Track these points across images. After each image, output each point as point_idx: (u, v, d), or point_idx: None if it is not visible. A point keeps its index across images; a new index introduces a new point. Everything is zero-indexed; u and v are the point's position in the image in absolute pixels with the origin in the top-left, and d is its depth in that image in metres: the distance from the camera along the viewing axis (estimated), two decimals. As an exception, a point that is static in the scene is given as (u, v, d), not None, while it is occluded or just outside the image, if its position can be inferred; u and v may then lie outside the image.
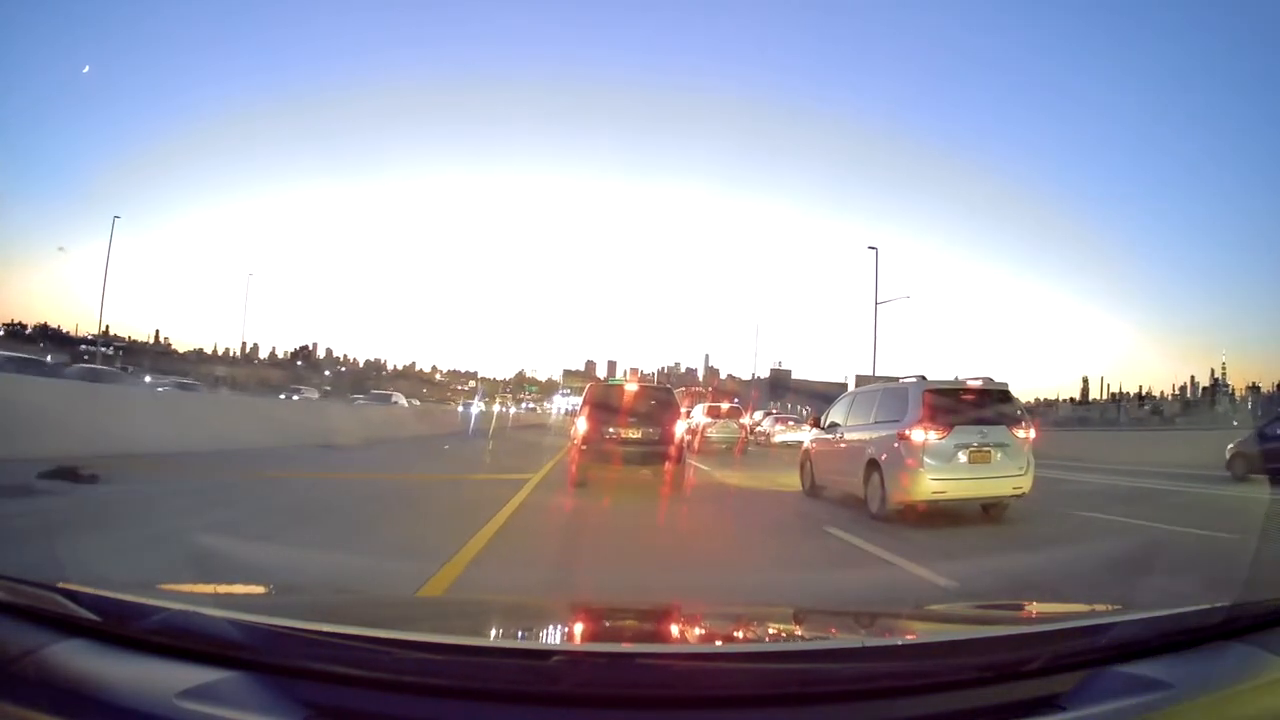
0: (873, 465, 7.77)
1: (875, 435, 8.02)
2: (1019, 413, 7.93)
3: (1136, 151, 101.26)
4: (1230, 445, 14.49)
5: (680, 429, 9.86)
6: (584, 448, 9.45)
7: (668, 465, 9.47)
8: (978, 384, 8.22)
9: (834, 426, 9.27)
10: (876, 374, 29.49)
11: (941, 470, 7.20)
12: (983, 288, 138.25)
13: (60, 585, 1.23)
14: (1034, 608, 2.19)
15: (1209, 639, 1.34)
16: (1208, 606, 1.40)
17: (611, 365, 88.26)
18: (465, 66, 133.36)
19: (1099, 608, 1.87)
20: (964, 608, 2.42)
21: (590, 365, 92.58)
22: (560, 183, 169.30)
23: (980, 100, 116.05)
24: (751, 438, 23.20)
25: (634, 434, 9.62)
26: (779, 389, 59.76)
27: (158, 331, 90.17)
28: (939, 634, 1.59)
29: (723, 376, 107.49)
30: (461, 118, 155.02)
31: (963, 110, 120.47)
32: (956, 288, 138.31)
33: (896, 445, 7.49)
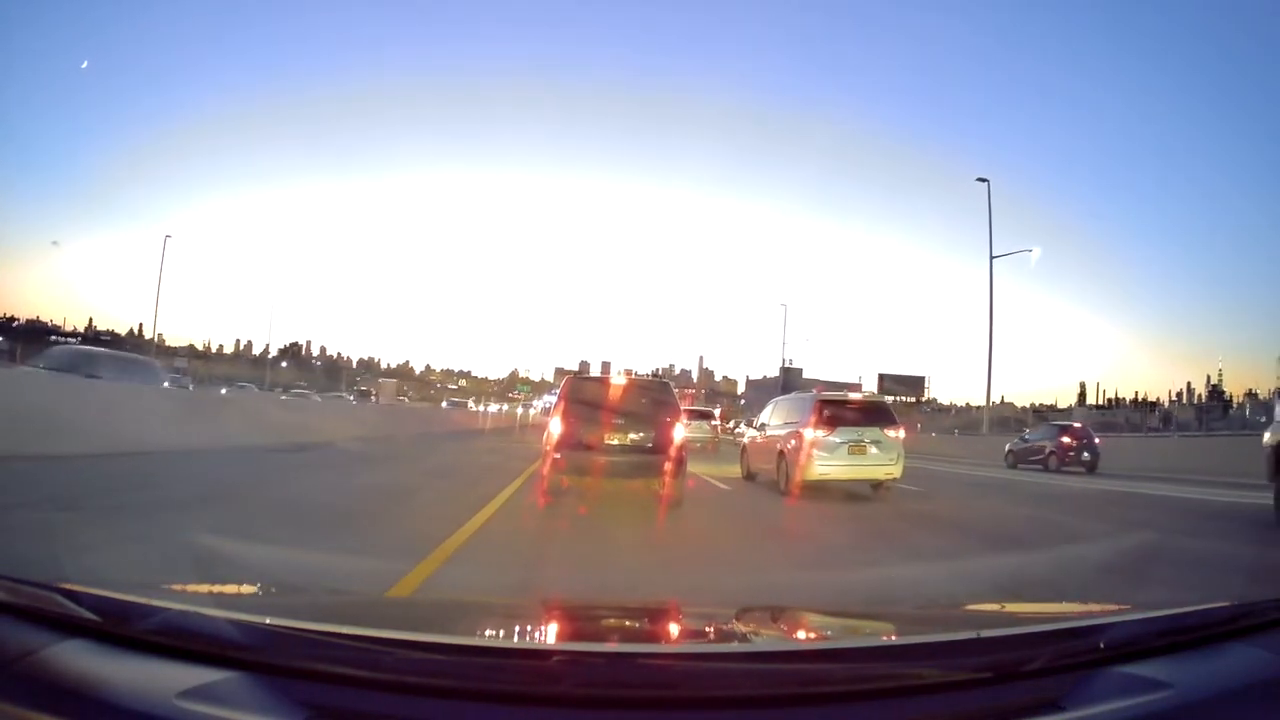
0: (782, 455, 10.31)
1: (785, 433, 10.55)
2: (893, 418, 10.44)
3: (1131, 157, 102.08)
4: (1006, 445, 22.33)
5: (680, 433, 8.00)
6: (558, 456, 7.64)
7: (665, 478, 7.65)
8: (859, 395, 11.75)
9: (763, 426, 11.76)
10: (993, 334, 26.80)
11: (827, 459, 9.68)
12: (980, 291, 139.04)
13: (60, 585, 1.23)
14: (1033, 608, 2.20)
15: (1209, 639, 1.34)
16: (1208, 606, 1.41)
17: (606, 366, 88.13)
18: (460, 65, 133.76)
19: (1099, 608, 1.88)
20: (964, 608, 2.42)
21: (584, 366, 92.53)
22: (556, 183, 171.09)
23: (978, 104, 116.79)
24: (730, 437, 28.28)
25: (622, 439, 7.86)
26: (789, 389, 59.33)
27: (140, 325, 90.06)
28: (938, 634, 1.59)
29: (717, 379, 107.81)
30: (457, 116, 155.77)
31: (960, 114, 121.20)
32: (956, 289, 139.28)
33: (796, 440, 9.98)
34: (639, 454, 7.76)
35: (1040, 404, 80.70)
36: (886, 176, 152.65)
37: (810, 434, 9.69)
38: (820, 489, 9.77)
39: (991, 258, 25.94)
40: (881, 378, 69.92)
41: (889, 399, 66.87)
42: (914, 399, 69.72)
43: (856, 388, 74.69)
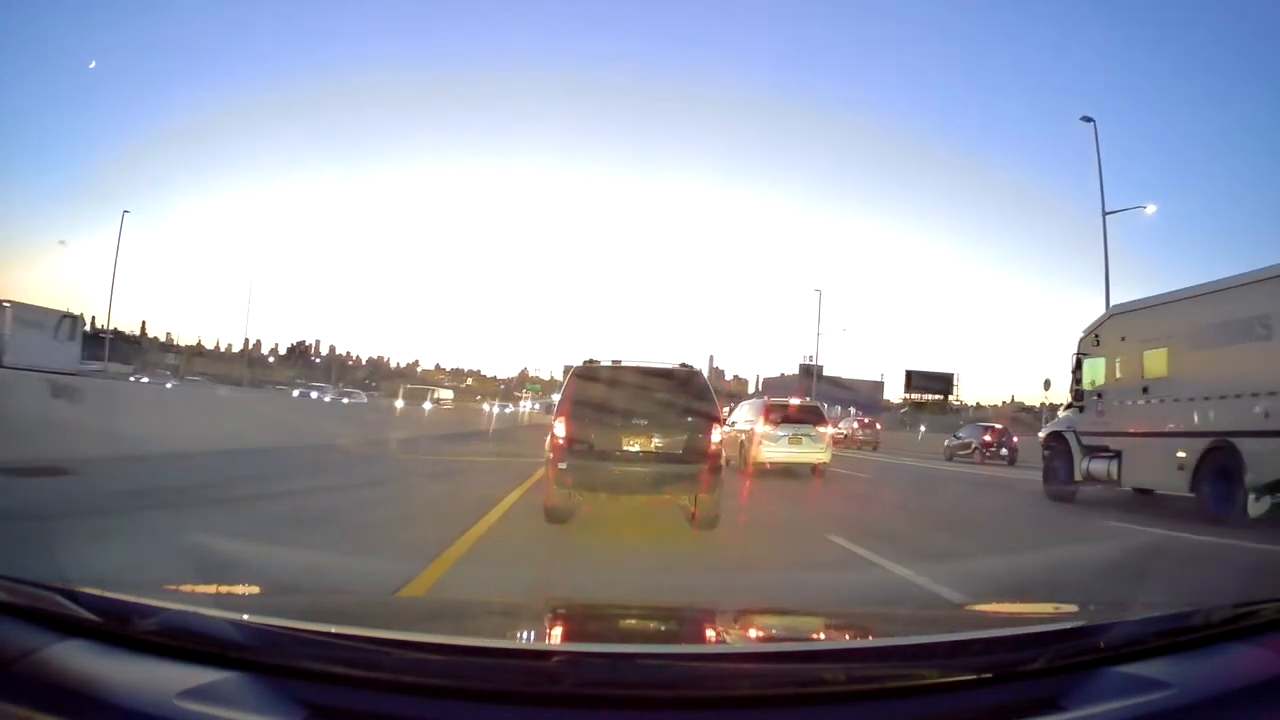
0: (742, 444, 13.63)
1: (744, 428, 13.92)
2: (823, 418, 14.54)
3: (1137, 155, 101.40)
4: (945, 442, 26.95)
5: (718, 437, 6.36)
6: (563, 466, 6.03)
7: (699, 494, 6.19)
8: (798, 400, 15.25)
9: (733, 424, 14.50)
10: (1110, 293, 21.29)
11: (772, 447, 13.24)
12: (989, 289, 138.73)
13: (60, 585, 1.23)
14: (1034, 608, 2.19)
15: (1209, 639, 1.34)
16: (1208, 606, 1.40)
17: (615, 365, 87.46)
18: (469, 61, 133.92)
19: (1099, 608, 1.87)
20: (964, 608, 2.42)
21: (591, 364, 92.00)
22: (567, 180, 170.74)
23: (986, 101, 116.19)
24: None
25: (645, 445, 6.21)
26: (809, 388, 57.98)
27: (144, 324, 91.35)
28: (939, 634, 1.58)
29: (728, 378, 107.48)
30: (467, 113, 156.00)
31: (972, 110, 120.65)
32: (969, 287, 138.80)
33: (751, 433, 13.46)
34: (666, 463, 6.15)
35: (1053, 403, 79.64)
36: (906, 171, 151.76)
37: (761, 429, 13.30)
38: (767, 468, 13.32)
39: (1104, 214, 21.45)
40: (909, 374, 68.22)
41: (917, 396, 66.19)
42: (943, 396, 68.05)
43: (879, 387, 74.81)
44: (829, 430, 14.24)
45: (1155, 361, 9.57)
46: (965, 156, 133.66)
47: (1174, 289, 9.69)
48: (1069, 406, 11.58)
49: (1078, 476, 10.57)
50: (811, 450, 13.32)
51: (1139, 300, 10.58)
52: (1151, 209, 23.83)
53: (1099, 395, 10.50)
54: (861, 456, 25.44)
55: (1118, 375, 10.26)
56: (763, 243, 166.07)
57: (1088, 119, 22.23)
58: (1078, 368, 11.03)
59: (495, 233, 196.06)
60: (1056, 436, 11.29)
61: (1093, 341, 10.91)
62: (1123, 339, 10.29)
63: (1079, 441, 10.61)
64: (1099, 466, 10.14)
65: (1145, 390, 9.64)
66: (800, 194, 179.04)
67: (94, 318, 46.29)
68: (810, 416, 13.97)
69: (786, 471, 13.36)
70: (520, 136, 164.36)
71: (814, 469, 13.47)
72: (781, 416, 13.56)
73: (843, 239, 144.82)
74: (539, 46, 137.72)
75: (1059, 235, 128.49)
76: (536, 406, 51.38)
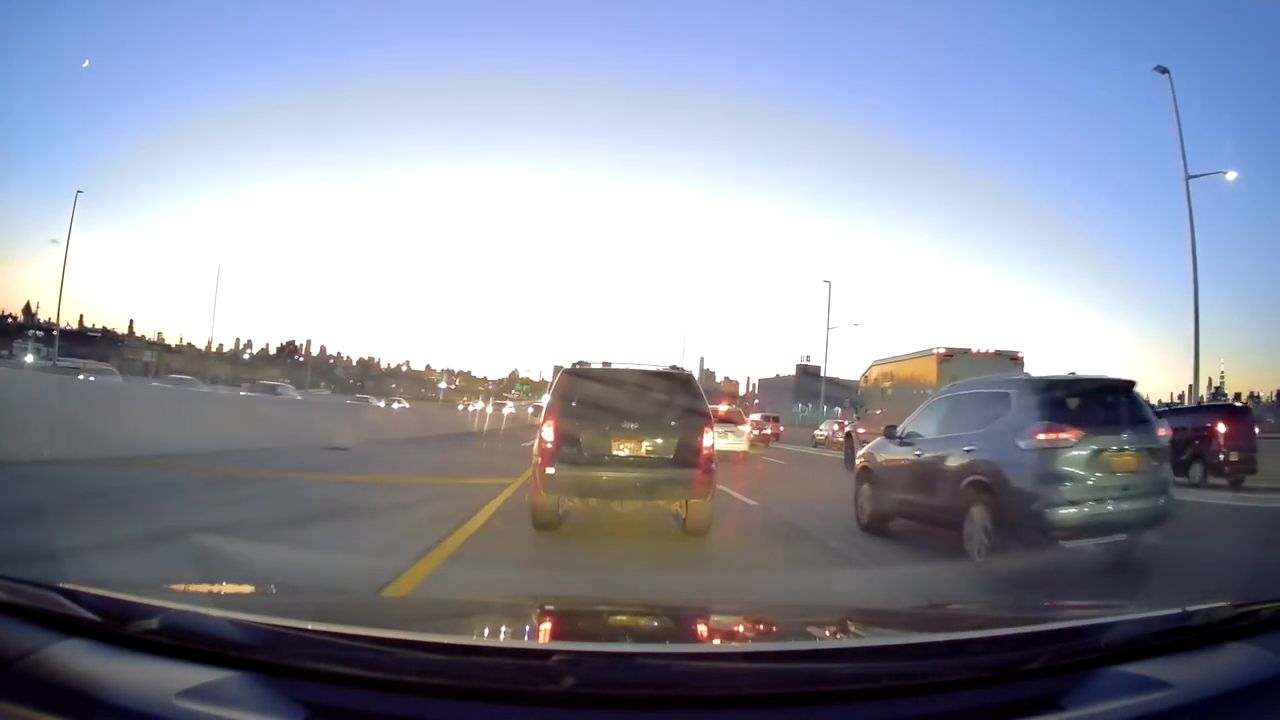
0: None
1: None
2: (742, 419, 20.63)
3: (1131, 153, 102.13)
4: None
5: (710, 440, 6.35)
6: (551, 471, 5.99)
7: (690, 500, 6.22)
8: (724, 409, 19.57)
9: None
10: (1197, 278, 18.74)
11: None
12: (981, 290, 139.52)
13: (60, 585, 1.23)
14: (1034, 608, 2.19)
15: (1209, 639, 1.35)
16: (1209, 606, 1.41)
17: (605, 366, 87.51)
18: (459, 64, 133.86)
19: (1099, 607, 1.88)
20: (964, 608, 2.42)
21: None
22: (558, 181, 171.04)
23: (979, 100, 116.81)
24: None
25: (635, 449, 6.21)
26: (804, 387, 56.74)
27: (131, 322, 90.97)
28: (939, 634, 1.59)
29: (719, 379, 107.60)
30: (459, 115, 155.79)
31: (967, 111, 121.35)
32: (970, 286, 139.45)
33: None
34: (658, 468, 6.15)
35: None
36: (903, 170, 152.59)
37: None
38: None
39: (1187, 178, 18.80)
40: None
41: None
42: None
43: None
44: (747, 429, 20.59)
45: (888, 391, 16.36)
46: (966, 154, 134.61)
47: (905, 351, 16.44)
48: (856, 416, 18.10)
49: (857, 459, 16.59)
50: (734, 443, 17.97)
51: (888, 357, 17.09)
52: (1233, 175, 21.20)
53: (865, 409, 17.36)
54: (816, 454, 26.41)
55: (874, 398, 17.01)
56: (756, 244, 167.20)
57: (1163, 69, 19.69)
58: (856, 391, 18.83)
59: (487, 234, 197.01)
60: (848, 433, 18.21)
61: (864, 377, 18.18)
62: (876, 378, 17.34)
63: (858, 437, 16.46)
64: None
65: (881, 410, 15.72)
66: (796, 194, 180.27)
67: (81, 315, 45.92)
68: (733, 418, 19.29)
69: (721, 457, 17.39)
70: (513, 137, 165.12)
71: (738, 456, 17.96)
72: (718, 420, 18.46)
73: (839, 239, 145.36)
74: (532, 49, 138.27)
75: (1060, 234, 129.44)
76: (506, 409, 42.85)
